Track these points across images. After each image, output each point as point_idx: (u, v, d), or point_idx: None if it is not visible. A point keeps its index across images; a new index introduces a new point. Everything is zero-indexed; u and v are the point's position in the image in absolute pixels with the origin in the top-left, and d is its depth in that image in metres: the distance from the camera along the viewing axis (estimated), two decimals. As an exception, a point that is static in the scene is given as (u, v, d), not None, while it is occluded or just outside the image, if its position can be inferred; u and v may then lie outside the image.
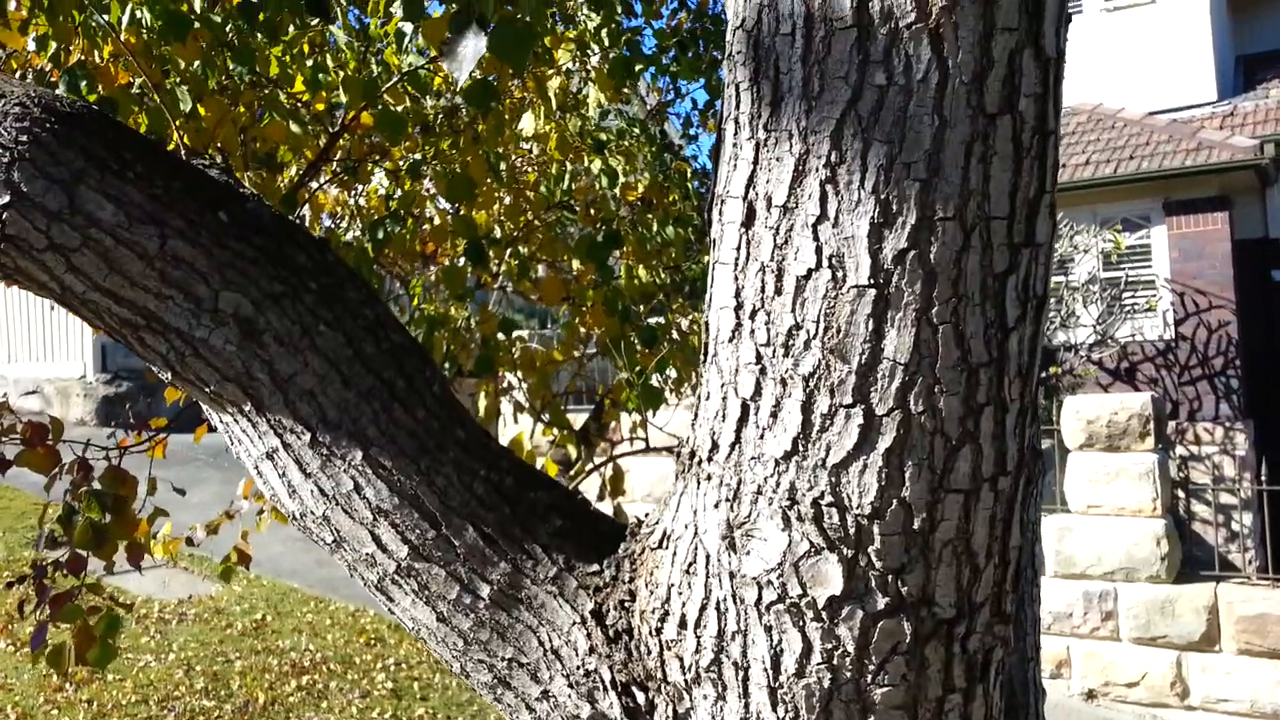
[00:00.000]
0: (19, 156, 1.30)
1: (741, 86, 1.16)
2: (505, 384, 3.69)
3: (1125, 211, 11.53)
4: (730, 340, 1.17)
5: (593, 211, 3.36)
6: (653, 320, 3.89)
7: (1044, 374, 10.39)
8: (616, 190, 3.14)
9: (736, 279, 1.16)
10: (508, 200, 3.69)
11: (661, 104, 4.86)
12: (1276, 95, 12.20)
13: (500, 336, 3.28)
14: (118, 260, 1.32)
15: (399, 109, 3.30)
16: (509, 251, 3.65)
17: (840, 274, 1.08)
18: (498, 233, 3.89)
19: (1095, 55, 12.60)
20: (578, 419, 7.22)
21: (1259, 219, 11.50)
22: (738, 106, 1.17)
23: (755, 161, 1.14)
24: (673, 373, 3.31)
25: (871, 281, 1.07)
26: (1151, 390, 10.66)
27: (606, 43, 3.03)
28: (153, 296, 1.34)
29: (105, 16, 2.44)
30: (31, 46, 2.53)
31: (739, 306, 1.16)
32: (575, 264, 3.56)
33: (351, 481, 1.35)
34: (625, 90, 4.05)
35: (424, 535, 1.34)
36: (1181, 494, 9.29)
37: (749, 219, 1.14)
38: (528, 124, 3.20)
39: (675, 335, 3.38)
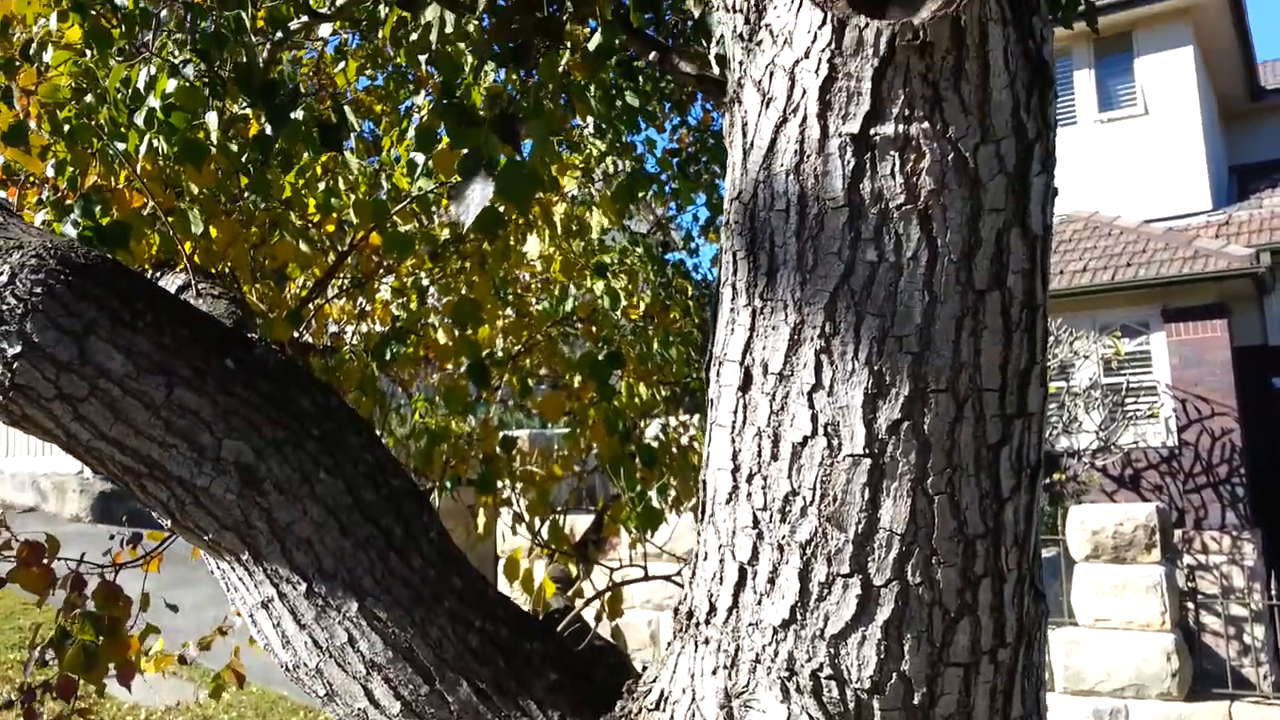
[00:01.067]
0: (33, 308, 1.33)
1: (738, 255, 1.19)
2: (505, 495, 3.68)
3: (1124, 318, 11.62)
4: (727, 502, 1.18)
5: (594, 329, 3.41)
6: (652, 428, 3.90)
7: (1048, 481, 10.34)
8: (619, 311, 3.19)
9: (733, 442, 1.18)
10: (510, 315, 3.74)
11: (665, 219, 4.97)
12: (1270, 205, 12.42)
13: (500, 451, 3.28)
14: (124, 410, 1.34)
15: (407, 228, 3.38)
16: (511, 366, 3.68)
17: (836, 442, 1.09)
18: (500, 343, 3.94)
19: (1090, 164, 12.88)
20: (577, 521, 7.16)
21: (1258, 327, 11.59)
22: (735, 273, 1.20)
23: (751, 328, 1.16)
24: (672, 490, 3.30)
25: (867, 451, 1.08)
26: (1157, 498, 10.59)
27: (611, 169, 3.11)
28: (157, 445, 1.35)
29: (122, 145, 2.52)
30: (50, 172, 2.61)
31: (736, 469, 1.17)
32: (576, 379, 3.59)
33: (346, 634, 1.34)
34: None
35: (417, 691, 1.32)
36: (1191, 605, 9.14)
37: (746, 384, 1.16)
38: (533, 248, 3.27)
39: (675, 450, 3.38)
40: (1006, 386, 1.10)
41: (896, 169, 1.08)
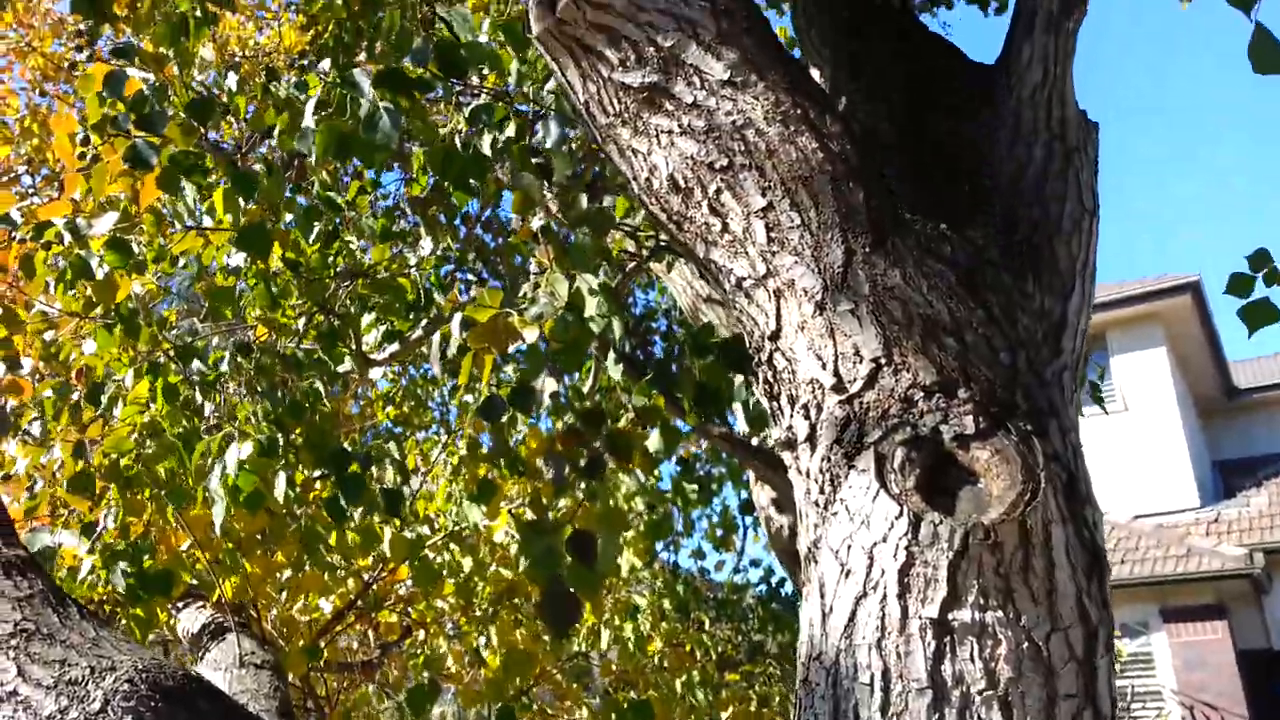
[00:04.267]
0: (123, 738, 1.36)
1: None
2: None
3: (1123, 617, 11.47)
4: None
5: (614, 668, 3.39)
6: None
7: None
8: (643, 655, 3.19)
9: None
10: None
11: (676, 536, 5.07)
12: (1257, 504, 12.59)
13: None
14: None
15: (436, 559, 3.43)
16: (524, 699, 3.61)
17: None
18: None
19: (1075, 460, 13.16)
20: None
21: (1259, 628, 11.42)
22: (822, 733, 1.25)
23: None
24: None
25: None
26: (1178, 817, 10.00)
27: (640, 506, 3.24)
28: None
29: (179, 499, 2.61)
30: (110, 523, 2.69)
31: None
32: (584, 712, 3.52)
33: None
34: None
35: None
36: None
37: None
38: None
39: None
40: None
41: (976, 654, 1.16)
